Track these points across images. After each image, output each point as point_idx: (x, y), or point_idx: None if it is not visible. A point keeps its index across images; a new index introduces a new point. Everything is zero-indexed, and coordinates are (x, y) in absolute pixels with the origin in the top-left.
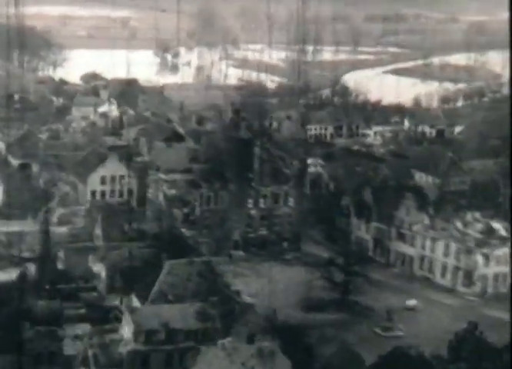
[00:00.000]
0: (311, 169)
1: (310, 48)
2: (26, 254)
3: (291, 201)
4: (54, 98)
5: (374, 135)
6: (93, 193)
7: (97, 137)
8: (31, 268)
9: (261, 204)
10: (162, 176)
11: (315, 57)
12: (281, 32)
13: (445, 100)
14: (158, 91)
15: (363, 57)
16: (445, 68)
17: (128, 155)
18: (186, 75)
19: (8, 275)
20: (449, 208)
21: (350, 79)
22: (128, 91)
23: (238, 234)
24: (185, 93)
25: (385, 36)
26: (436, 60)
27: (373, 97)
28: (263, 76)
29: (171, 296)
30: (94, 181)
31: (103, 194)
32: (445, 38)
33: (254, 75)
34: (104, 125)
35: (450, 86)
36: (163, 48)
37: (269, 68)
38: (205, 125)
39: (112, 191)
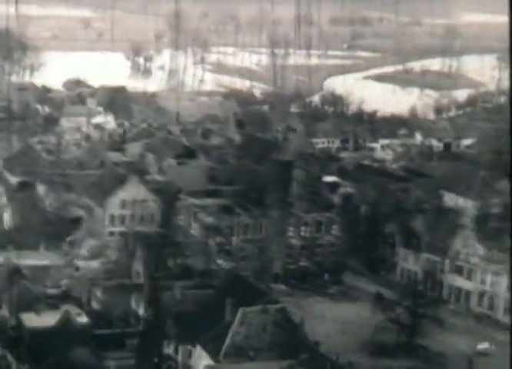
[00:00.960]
0: (341, 190)
1: (280, 51)
2: (53, 291)
3: (334, 229)
4: (39, 107)
5: (381, 149)
6: (112, 218)
7: (97, 153)
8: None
9: (302, 232)
10: (194, 201)
11: (287, 61)
12: (251, 35)
13: (439, 110)
14: (150, 100)
15: (336, 61)
16: (425, 74)
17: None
18: (159, 80)
19: (44, 319)
20: (503, 237)
21: (332, 85)
22: (116, 99)
23: (279, 265)
24: (173, 101)
25: (354, 40)
26: (416, 65)
27: (365, 106)
28: (246, 82)
29: (248, 350)
30: (113, 205)
31: (122, 219)
32: (415, 41)
33: (235, 81)
34: (99, 138)
35: (432, 93)
36: (134, 50)
37: (248, 74)
38: (211, 139)
39: (132, 216)
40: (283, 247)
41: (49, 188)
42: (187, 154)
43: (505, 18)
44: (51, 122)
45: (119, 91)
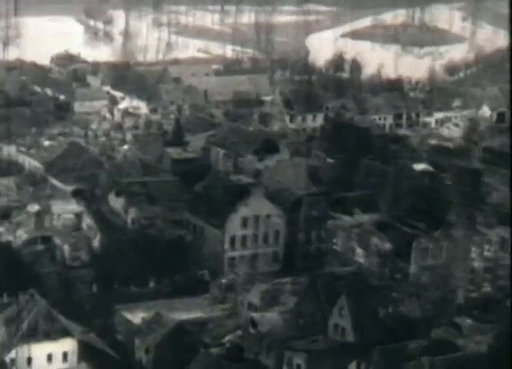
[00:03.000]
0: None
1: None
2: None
3: None
4: (39, 89)
5: (436, 123)
6: (232, 240)
7: (152, 148)
8: None
9: (486, 252)
10: (347, 218)
11: (239, 19)
12: None
13: (450, 70)
14: (163, 75)
15: (296, 18)
16: (402, 28)
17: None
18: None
19: None
20: None
21: (318, 46)
22: (128, 77)
23: (462, 294)
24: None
25: None
26: (385, 19)
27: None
28: (223, 46)
29: None
30: (234, 224)
31: (244, 240)
32: None
33: (210, 45)
34: (132, 127)
35: (415, 50)
36: (86, 12)
37: (221, 35)
38: (272, 125)
39: (255, 236)
40: (466, 272)
41: (128, 200)
42: (267, 147)
43: None
44: (63, 109)
45: (123, 66)
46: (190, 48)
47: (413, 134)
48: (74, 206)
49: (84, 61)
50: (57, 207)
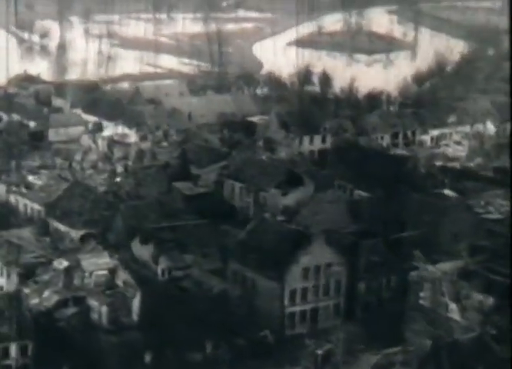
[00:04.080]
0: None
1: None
2: None
3: None
4: (4, 116)
5: (431, 142)
6: (292, 294)
7: (156, 183)
8: None
9: None
10: (432, 268)
11: (175, 28)
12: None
13: (418, 80)
14: (138, 97)
15: (233, 26)
16: (353, 35)
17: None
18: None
19: None
20: None
21: (266, 56)
22: (101, 99)
23: None
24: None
25: None
26: (325, 24)
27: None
28: (170, 59)
29: None
30: (294, 276)
31: (304, 293)
32: None
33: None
34: (122, 156)
35: (363, 58)
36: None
37: (163, 47)
38: (278, 153)
39: (315, 288)
40: None
41: (158, 248)
42: (294, 181)
43: None
44: (37, 137)
45: (92, 87)
46: (131, 61)
47: (412, 154)
48: (106, 259)
49: (46, 82)
50: (87, 262)
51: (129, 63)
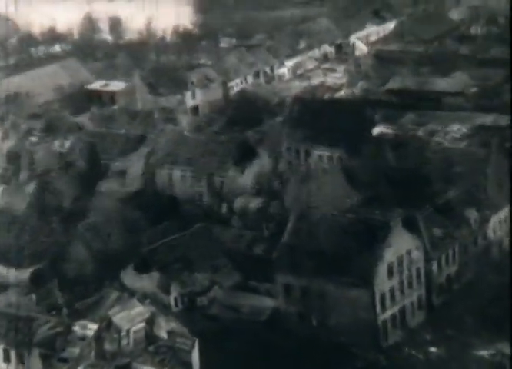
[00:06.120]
0: None
1: None
2: None
3: None
4: None
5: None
6: (382, 298)
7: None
8: None
9: None
10: None
11: None
12: None
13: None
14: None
15: None
16: None
17: None
18: None
19: None
20: None
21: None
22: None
23: None
24: None
25: None
26: None
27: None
28: None
29: None
30: (382, 277)
31: (392, 294)
32: None
33: None
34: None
35: None
36: None
37: None
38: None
39: (400, 284)
40: None
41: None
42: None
43: None
44: None
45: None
46: None
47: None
48: (140, 309)
49: None
50: (119, 317)
51: None
